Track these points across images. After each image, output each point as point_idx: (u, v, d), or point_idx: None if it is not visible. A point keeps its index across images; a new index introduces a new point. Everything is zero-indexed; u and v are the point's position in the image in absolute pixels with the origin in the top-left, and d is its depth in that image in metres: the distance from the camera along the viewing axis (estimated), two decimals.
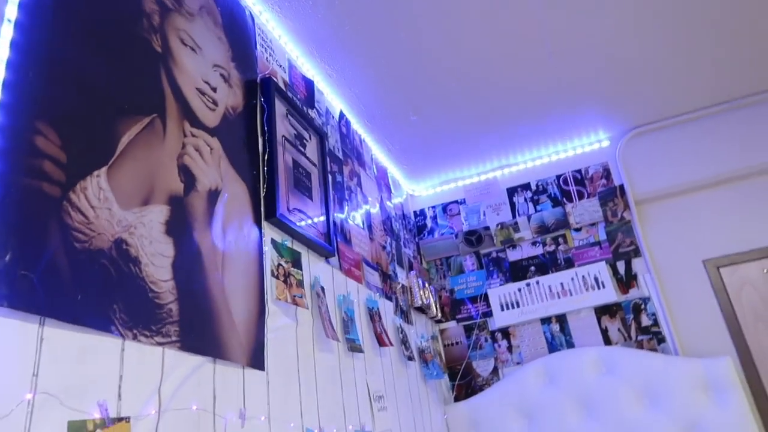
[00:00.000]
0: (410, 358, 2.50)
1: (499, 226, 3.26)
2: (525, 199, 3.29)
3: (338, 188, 2.40)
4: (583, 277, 3.00)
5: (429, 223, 3.45)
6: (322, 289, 1.92)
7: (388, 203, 3.03)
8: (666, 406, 2.47)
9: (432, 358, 2.77)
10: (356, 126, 2.86)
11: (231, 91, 1.76)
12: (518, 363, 2.97)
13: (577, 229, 3.12)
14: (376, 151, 3.10)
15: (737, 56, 2.70)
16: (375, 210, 2.78)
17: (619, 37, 2.49)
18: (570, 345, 2.92)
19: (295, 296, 1.70)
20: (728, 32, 2.53)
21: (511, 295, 3.09)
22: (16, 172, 0.94)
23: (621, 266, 2.98)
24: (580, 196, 3.18)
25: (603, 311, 2.93)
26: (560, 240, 3.14)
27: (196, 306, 1.29)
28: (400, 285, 2.76)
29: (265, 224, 1.71)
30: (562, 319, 2.98)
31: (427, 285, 3.06)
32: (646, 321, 2.84)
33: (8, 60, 0.99)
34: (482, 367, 3.03)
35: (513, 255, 3.20)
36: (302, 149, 2.09)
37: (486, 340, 3.07)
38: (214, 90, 1.66)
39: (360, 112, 2.80)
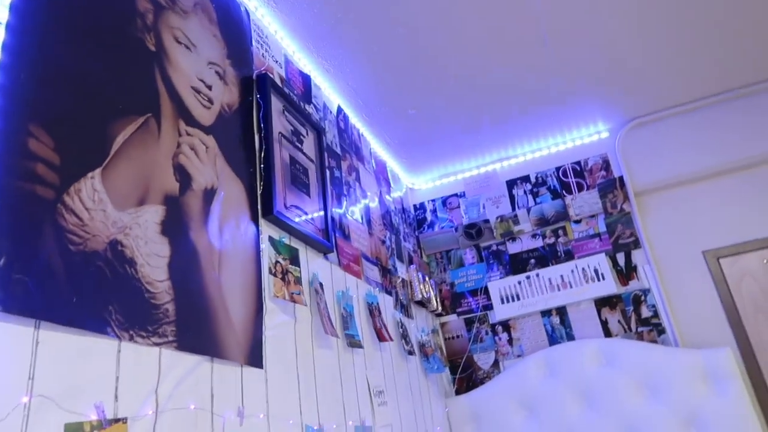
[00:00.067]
0: (410, 353, 2.51)
1: (499, 219, 3.25)
2: (524, 192, 3.29)
3: (336, 183, 2.40)
4: (582, 269, 3.00)
5: (429, 216, 3.45)
6: (321, 285, 1.93)
7: (388, 197, 3.03)
8: (666, 398, 2.47)
9: (433, 352, 2.78)
10: (354, 120, 2.85)
11: (226, 89, 1.76)
12: (519, 356, 2.98)
13: (577, 221, 3.12)
14: (375, 146, 3.09)
15: (736, 46, 2.68)
16: (374, 204, 2.78)
17: (618, 27, 2.47)
18: (570, 337, 2.92)
19: (293, 293, 1.71)
20: (727, 22, 2.51)
21: (511, 288, 3.10)
22: (9, 175, 0.94)
23: (621, 258, 2.98)
24: (580, 188, 3.17)
25: (603, 303, 2.93)
26: (560, 232, 3.13)
27: (192, 305, 1.29)
28: (400, 279, 2.77)
29: (262, 222, 1.71)
30: (562, 311, 2.99)
31: (427, 279, 3.06)
32: (646, 312, 2.85)
33: (0, 63, 0.99)
34: (483, 360, 3.04)
35: (513, 248, 3.20)
36: (299, 145, 2.09)
37: (486, 333, 3.08)
38: (210, 88, 1.66)
39: (358, 107, 2.79)
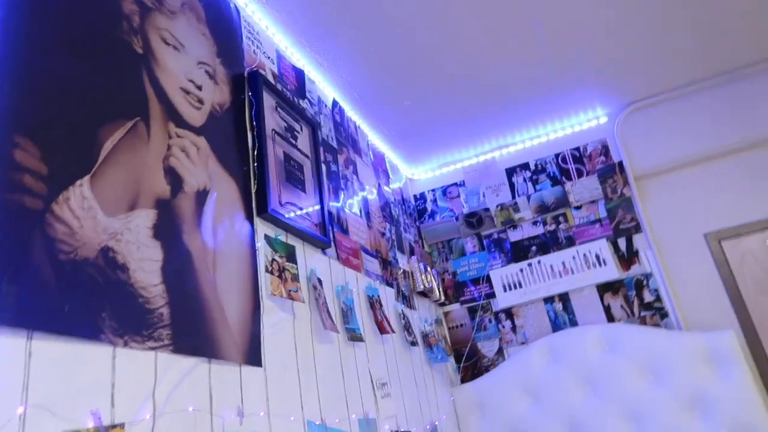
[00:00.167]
0: (413, 343, 2.52)
1: (499, 207, 3.25)
2: (524, 179, 3.28)
3: (333, 178, 2.40)
4: (584, 255, 2.99)
5: (429, 206, 3.44)
6: (319, 281, 1.93)
7: (387, 189, 3.03)
8: (670, 382, 2.47)
9: (436, 341, 2.79)
10: (350, 113, 2.84)
11: (217, 88, 1.75)
12: (523, 343, 2.98)
13: (578, 207, 3.11)
14: (373, 137, 3.08)
15: (734, 27, 2.64)
16: (373, 197, 2.77)
17: (612, 12, 2.44)
18: (573, 323, 2.92)
19: (290, 290, 1.71)
20: (723, 3, 2.47)
21: (513, 276, 3.09)
22: None
23: (622, 243, 2.97)
24: (579, 174, 3.15)
25: (605, 288, 2.93)
26: (560, 219, 3.12)
27: (187, 308, 1.30)
28: (401, 270, 2.77)
29: (257, 220, 1.72)
30: (564, 297, 2.99)
31: (429, 269, 3.07)
32: (648, 297, 2.84)
33: None
34: (487, 348, 3.05)
35: (514, 235, 3.19)
36: (293, 141, 2.08)
37: (490, 321, 3.09)
38: (200, 88, 1.66)
39: (353, 100, 2.78)
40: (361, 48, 2.43)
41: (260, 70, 2.03)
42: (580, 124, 3.26)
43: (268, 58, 2.16)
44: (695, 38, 2.69)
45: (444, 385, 2.81)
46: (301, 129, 2.19)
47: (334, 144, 2.54)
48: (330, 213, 2.23)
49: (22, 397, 0.86)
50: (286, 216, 1.83)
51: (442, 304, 3.19)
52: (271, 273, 1.68)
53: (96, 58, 1.28)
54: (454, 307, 3.19)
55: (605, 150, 3.15)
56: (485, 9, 2.31)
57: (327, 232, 2.07)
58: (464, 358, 3.06)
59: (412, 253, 3.04)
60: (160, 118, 1.44)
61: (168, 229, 1.32)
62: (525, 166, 3.30)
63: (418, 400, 2.42)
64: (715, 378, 2.42)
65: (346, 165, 2.59)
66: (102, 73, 1.28)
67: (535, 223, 3.17)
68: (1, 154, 0.97)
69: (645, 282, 2.87)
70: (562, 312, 2.97)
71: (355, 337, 2.02)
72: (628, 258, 2.94)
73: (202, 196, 1.50)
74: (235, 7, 2.03)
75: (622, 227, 2.99)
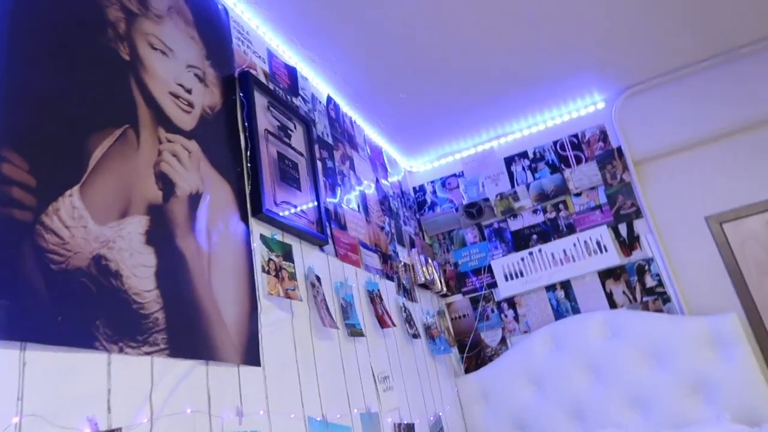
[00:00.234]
0: (415, 336, 2.53)
1: (499, 197, 3.24)
2: (523, 168, 3.27)
3: (329, 174, 2.40)
4: (585, 242, 2.99)
5: (429, 198, 3.44)
6: (318, 278, 1.94)
7: (385, 182, 3.03)
8: (673, 366, 2.48)
9: (439, 333, 2.80)
10: (346, 109, 2.84)
11: (207, 91, 1.76)
12: (525, 331, 2.99)
13: (577, 194, 3.10)
14: (369, 132, 3.08)
15: (729, 7, 2.61)
16: (371, 191, 2.78)
17: None
18: (576, 311, 2.93)
19: (288, 289, 1.73)
20: None
21: (514, 265, 3.10)
22: None
23: (623, 229, 2.96)
24: (578, 161, 3.14)
25: (607, 275, 2.93)
26: (561, 206, 3.12)
27: (183, 312, 1.31)
28: (402, 264, 2.78)
29: (252, 221, 1.73)
30: (566, 285, 2.99)
31: (430, 261, 3.08)
32: (650, 282, 2.84)
33: None
34: (490, 337, 3.06)
35: (514, 224, 3.19)
36: (287, 140, 2.09)
37: (492, 311, 3.10)
38: (189, 92, 1.66)
39: (348, 95, 2.78)
40: (353, 43, 2.43)
41: (251, 70, 2.03)
42: (577, 110, 3.25)
43: (259, 57, 2.17)
44: (690, 20, 2.66)
45: (448, 376, 2.83)
46: (295, 127, 2.19)
47: (330, 140, 2.54)
48: (327, 210, 2.24)
49: (17, 407, 0.88)
50: (282, 215, 1.84)
51: (445, 296, 3.20)
52: (268, 273, 1.69)
53: (82, 68, 1.29)
54: (457, 298, 3.20)
55: (603, 136, 3.14)
56: None
57: (324, 229, 2.08)
58: (467, 348, 3.07)
59: (412, 245, 3.05)
60: (149, 124, 1.45)
61: (161, 235, 1.34)
62: (523, 155, 3.29)
63: (422, 392, 2.44)
64: (719, 361, 2.42)
65: (342, 161, 2.59)
66: (88, 82, 1.29)
67: (535, 211, 3.16)
68: None
69: (647, 267, 2.86)
70: (564, 300, 2.97)
71: (355, 332, 2.04)
72: (629, 243, 2.93)
73: (195, 199, 1.51)
74: (224, 7, 2.03)
75: (622, 213, 2.98)
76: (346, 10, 2.23)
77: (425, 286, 2.94)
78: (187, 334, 1.30)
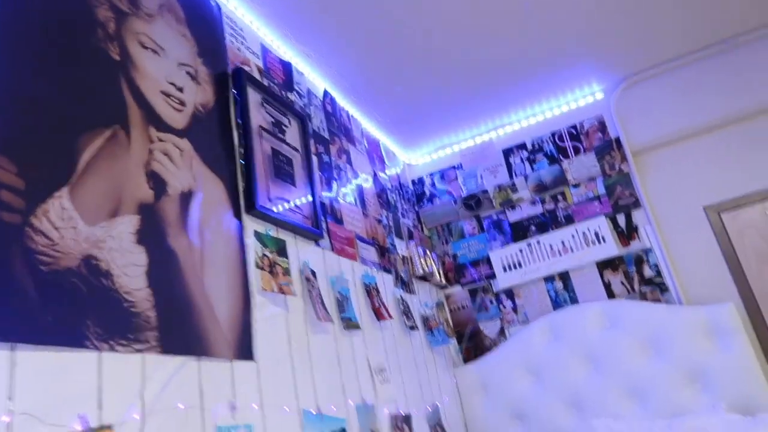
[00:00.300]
0: (413, 328, 2.55)
1: (497, 189, 3.25)
2: (521, 159, 3.27)
3: (325, 169, 2.41)
4: (583, 233, 2.99)
5: (428, 190, 3.45)
6: (313, 272, 1.96)
7: (383, 175, 3.04)
8: (670, 356, 2.48)
9: (437, 325, 2.82)
10: (342, 103, 2.85)
11: (200, 88, 1.77)
12: (524, 322, 3.00)
13: (576, 185, 3.10)
14: (367, 125, 3.09)
15: None
16: (368, 185, 2.79)
17: None
18: (574, 301, 2.94)
19: (281, 285, 1.74)
20: None
21: (512, 257, 3.11)
22: None
23: (621, 219, 2.96)
24: (577, 152, 3.14)
25: (605, 265, 2.93)
26: (559, 197, 3.12)
27: (174, 309, 1.33)
28: (400, 256, 2.79)
29: (246, 217, 1.74)
30: (565, 276, 2.99)
31: (428, 253, 3.09)
32: (648, 272, 2.84)
33: None
34: (489, 328, 3.08)
35: (513, 216, 3.19)
36: (282, 136, 2.10)
37: (491, 302, 3.11)
38: (181, 90, 1.67)
39: (345, 89, 2.78)
40: (348, 37, 2.43)
41: (245, 67, 2.04)
42: (575, 101, 3.23)
43: (253, 53, 2.17)
44: (687, 9, 2.64)
45: (446, 367, 2.85)
46: (290, 123, 2.20)
47: (326, 135, 2.55)
48: (323, 204, 2.25)
49: (8, 405, 0.90)
50: (275, 211, 1.86)
51: (444, 287, 3.22)
52: (262, 268, 1.71)
53: (71, 69, 1.30)
54: (456, 290, 3.22)
55: (602, 126, 3.13)
56: None
57: (319, 224, 2.09)
58: (466, 339, 3.09)
59: (410, 238, 3.06)
60: (140, 123, 1.46)
61: (152, 234, 1.36)
62: (522, 146, 3.28)
63: (419, 384, 2.46)
64: (716, 351, 2.43)
65: (338, 155, 2.60)
66: (78, 83, 1.31)
67: (533, 202, 3.17)
68: None
69: (645, 257, 2.86)
70: (562, 290, 2.98)
71: (351, 325, 2.06)
72: (627, 234, 2.93)
73: (187, 197, 1.53)
74: (216, 4, 2.03)
75: (621, 203, 2.98)
76: (340, 4, 2.23)
77: (424, 278, 2.96)
78: (179, 331, 1.32)
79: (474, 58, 2.72)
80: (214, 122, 1.79)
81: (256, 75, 2.12)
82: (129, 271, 1.25)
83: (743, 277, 2.67)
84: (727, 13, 2.72)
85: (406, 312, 2.59)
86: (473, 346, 3.06)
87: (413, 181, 3.51)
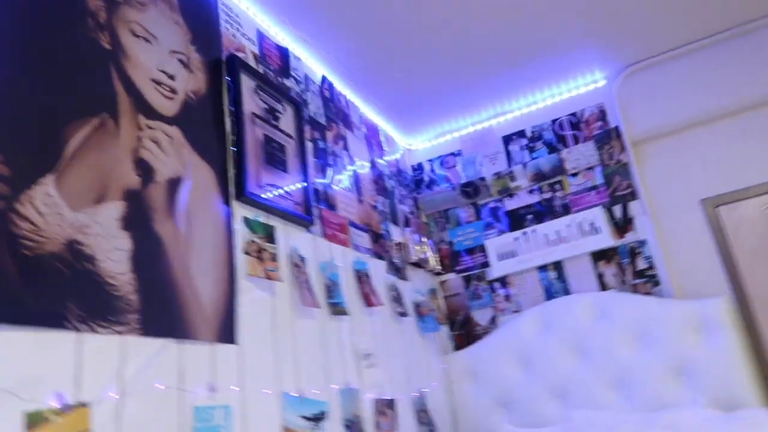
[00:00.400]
0: (403, 314, 2.60)
1: (496, 176, 3.26)
2: (520, 147, 3.27)
3: (321, 155, 2.44)
4: (579, 223, 3.00)
5: (427, 176, 3.47)
6: (302, 258, 2.01)
7: (380, 161, 3.06)
8: (657, 349, 2.50)
9: (428, 311, 2.86)
10: (341, 88, 2.86)
11: (192, 76, 1.80)
12: (516, 311, 3.03)
13: (574, 174, 3.10)
14: (366, 111, 3.10)
15: None
16: (364, 171, 2.82)
17: None
18: (567, 292, 2.96)
19: (268, 270, 1.79)
20: None
21: (508, 245, 3.13)
22: None
23: (618, 210, 2.96)
24: (576, 141, 3.13)
25: (599, 256, 2.94)
26: (557, 186, 3.12)
27: (157, 293, 1.38)
28: (394, 243, 2.83)
29: (235, 204, 1.78)
30: (558, 266, 3.01)
31: (424, 239, 3.12)
32: (641, 264, 2.85)
33: None
34: (481, 316, 3.11)
35: (510, 204, 3.21)
36: (275, 122, 2.13)
37: (485, 290, 3.14)
38: (172, 78, 1.70)
39: (343, 75, 2.79)
40: (346, 23, 2.43)
41: (239, 53, 2.06)
42: (577, 88, 3.22)
43: (249, 39, 2.19)
44: None
45: (436, 353, 2.90)
46: (284, 109, 2.23)
47: (323, 120, 2.57)
48: (316, 191, 2.28)
49: None
50: (265, 197, 1.90)
51: (439, 274, 3.25)
52: (249, 254, 1.75)
53: (60, 58, 1.34)
54: (450, 277, 3.25)
55: (602, 115, 3.11)
56: None
57: (310, 211, 2.13)
58: (459, 326, 3.13)
59: (407, 224, 3.09)
60: (129, 111, 1.50)
61: (137, 219, 1.40)
62: (521, 134, 3.28)
63: (407, 369, 2.51)
64: (702, 346, 2.44)
65: (335, 141, 2.63)
66: (67, 73, 1.34)
67: (531, 191, 3.17)
68: None
69: (639, 249, 2.87)
70: (555, 280, 3.00)
71: (338, 311, 2.10)
72: (623, 225, 2.93)
73: (174, 184, 1.57)
74: None
75: (618, 194, 2.98)
76: None
77: (418, 264, 2.99)
78: (161, 314, 1.37)
79: (475, 43, 2.71)
80: (205, 109, 1.82)
81: (252, 61, 2.14)
82: (113, 255, 1.30)
83: (736, 272, 2.67)
84: (733, 1, 2.68)
85: (397, 298, 2.63)
86: (465, 334, 3.10)
87: (413, 167, 3.53)
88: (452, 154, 3.45)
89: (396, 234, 2.91)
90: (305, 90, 2.50)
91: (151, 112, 1.57)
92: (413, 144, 3.58)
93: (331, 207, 2.38)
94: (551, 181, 3.14)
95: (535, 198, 3.16)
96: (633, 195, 2.95)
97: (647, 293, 2.78)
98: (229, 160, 1.83)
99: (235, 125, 1.90)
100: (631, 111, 3.06)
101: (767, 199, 2.72)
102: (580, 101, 3.19)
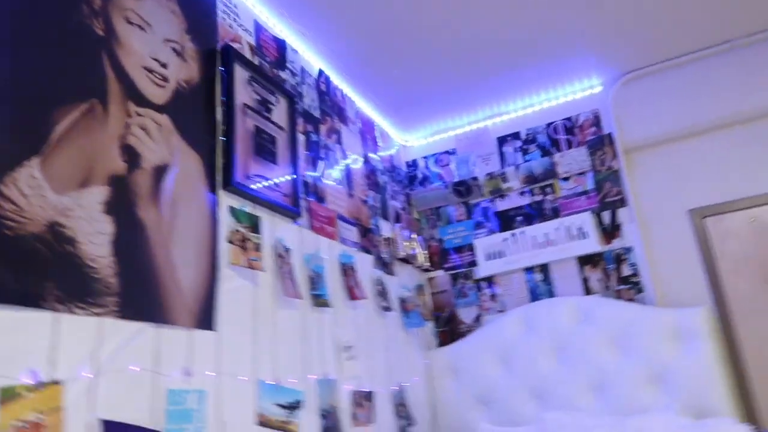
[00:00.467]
0: (387, 309, 2.63)
1: (488, 177, 3.28)
2: (514, 149, 3.29)
3: (313, 148, 2.47)
4: (567, 227, 3.02)
5: (421, 173, 3.50)
6: (286, 249, 2.04)
7: (374, 156, 3.09)
8: (636, 355, 2.54)
9: (414, 307, 2.90)
10: (338, 82, 2.88)
11: (185, 65, 1.82)
12: (501, 311, 3.07)
13: (565, 179, 3.12)
14: (362, 106, 3.12)
15: None
16: (357, 165, 2.84)
17: None
18: (552, 294, 2.99)
19: (251, 260, 1.82)
20: None
21: (496, 245, 3.16)
22: None
23: (607, 216, 2.99)
24: (569, 145, 3.15)
25: (585, 261, 2.97)
26: (548, 190, 3.15)
27: (136, 277, 1.41)
28: (383, 238, 2.86)
29: (222, 193, 1.81)
30: (545, 268, 3.05)
31: (414, 236, 3.15)
32: (627, 271, 2.88)
33: None
34: (466, 314, 3.15)
35: (501, 205, 3.24)
36: (267, 114, 2.15)
37: (471, 289, 3.18)
38: (165, 66, 1.73)
39: (341, 69, 2.81)
40: (345, 18, 2.45)
41: (234, 44, 2.09)
42: (573, 93, 3.23)
43: (246, 30, 2.21)
44: (693, 8, 2.61)
45: (420, 349, 2.94)
46: (278, 101, 2.25)
47: (317, 114, 2.60)
48: (306, 183, 2.31)
49: None
50: (252, 188, 1.93)
51: (427, 270, 3.28)
52: (232, 243, 1.79)
53: (52, 44, 1.36)
54: (439, 274, 3.28)
55: (597, 120, 3.13)
56: None
57: (298, 203, 2.16)
58: (443, 323, 3.17)
59: (398, 220, 3.12)
60: (119, 98, 1.52)
61: (121, 205, 1.43)
62: (516, 136, 3.31)
63: (388, 363, 2.55)
64: (680, 354, 2.47)
65: (328, 134, 2.65)
66: (57, 58, 1.37)
67: (522, 193, 3.20)
68: None
69: (625, 256, 2.90)
70: (541, 282, 3.03)
71: (320, 302, 2.14)
72: (610, 231, 2.96)
73: (160, 171, 1.60)
74: None
75: (608, 200, 3.00)
76: None
77: (406, 260, 3.03)
78: (139, 298, 1.41)
79: (475, 44, 2.73)
80: (197, 99, 1.85)
81: (247, 52, 2.17)
82: (94, 239, 1.33)
83: (718, 284, 2.70)
84: (731, 14, 2.69)
85: (383, 293, 2.66)
86: (449, 331, 3.14)
87: (408, 163, 3.55)
88: (447, 152, 3.47)
89: (385, 229, 2.94)
90: (301, 83, 2.52)
91: (141, 100, 1.60)
92: (409, 141, 3.61)
93: (320, 200, 2.41)
94: (543, 184, 3.17)
95: (525, 200, 3.19)
96: (622, 202, 2.97)
97: (630, 300, 2.82)
98: (218, 149, 1.86)
99: (226, 115, 1.92)
100: (625, 118, 3.08)
101: (754, 212, 2.75)
102: (576, 106, 3.21)
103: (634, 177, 3.01)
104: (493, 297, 3.12)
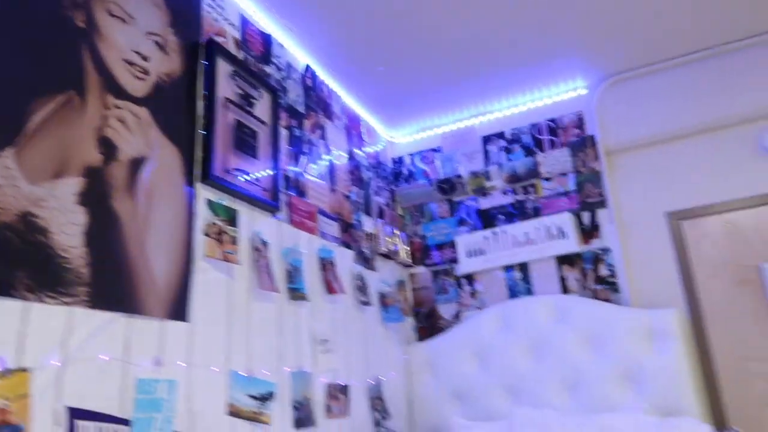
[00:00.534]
0: (366, 303, 2.66)
1: (472, 175, 3.31)
2: (498, 148, 3.32)
3: (295, 142, 2.49)
4: (547, 227, 3.06)
5: (406, 170, 3.52)
6: (264, 243, 2.06)
7: (359, 152, 3.11)
8: (609, 354, 2.59)
9: (393, 302, 2.93)
10: (324, 78, 2.90)
11: (166, 58, 1.84)
12: (479, 308, 3.11)
13: (548, 179, 3.16)
14: (349, 101, 3.14)
15: (720, 3, 2.58)
16: (341, 161, 2.87)
17: None
18: (530, 292, 3.03)
19: (226, 252, 1.85)
20: None
21: (477, 243, 3.19)
22: None
23: (587, 217, 3.03)
24: (553, 146, 3.19)
25: (564, 260, 3.01)
26: (530, 189, 3.18)
27: (109, 268, 1.44)
28: (365, 233, 2.89)
29: (200, 186, 1.84)
30: (524, 267, 3.09)
31: (396, 231, 3.18)
32: (604, 271, 2.92)
33: None
34: (446, 310, 3.19)
35: (484, 203, 3.27)
36: (249, 108, 2.17)
37: (451, 285, 3.21)
38: (146, 59, 1.74)
39: (327, 65, 2.83)
40: (332, 14, 2.46)
41: (220, 38, 2.10)
42: (558, 94, 3.27)
43: (231, 24, 2.23)
44: (679, 13, 2.65)
45: (399, 344, 2.97)
46: (261, 95, 2.27)
47: (302, 109, 2.61)
48: (287, 178, 2.34)
49: None
50: (230, 181, 1.95)
51: (409, 266, 3.32)
52: (209, 236, 1.81)
53: (30, 35, 1.38)
54: (420, 270, 3.32)
55: (580, 122, 3.17)
56: None
57: (277, 197, 2.18)
58: (423, 318, 3.21)
59: (381, 215, 3.15)
60: (97, 90, 1.54)
61: (95, 196, 1.45)
62: (500, 135, 3.34)
63: (366, 357, 2.58)
64: (652, 354, 2.52)
65: (312, 129, 2.67)
66: (36, 49, 1.38)
67: (505, 192, 3.24)
68: None
69: (602, 256, 2.94)
70: (520, 281, 3.07)
71: (297, 296, 2.17)
72: (589, 231, 3.00)
73: (137, 163, 1.62)
74: None
75: (588, 201, 3.04)
76: None
77: (388, 256, 3.06)
78: (111, 288, 1.43)
79: (463, 43, 2.75)
80: (178, 92, 1.86)
81: (232, 46, 2.18)
82: (67, 229, 1.36)
83: (692, 286, 2.75)
84: (713, 22, 2.73)
85: (362, 288, 2.70)
86: (428, 326, 3.18)
87: (394, 160, 3.58)
88: (432, 149, 3.50)
89: (368, 225, 2.97)
90: (286, 78, 2.54)
91: (120, 92, 1.62)
92: (395, 137, 3.63)
93: (301, 194, 2.44)
94: (525, 183, 3.20)
95: (508, 199, 3.22)
96: (602, 203, 3.01)
97: (606, 299, 2.86)
98: (197, 142, 1.88)
99: (207, 109, 1.94)
100: (609, 121, 3.12)
101: (730, 216, 2.79)
102: (560, 108, 3.25)
103: (614, 179, 3.05)
104: (473, 294, 3.16)
